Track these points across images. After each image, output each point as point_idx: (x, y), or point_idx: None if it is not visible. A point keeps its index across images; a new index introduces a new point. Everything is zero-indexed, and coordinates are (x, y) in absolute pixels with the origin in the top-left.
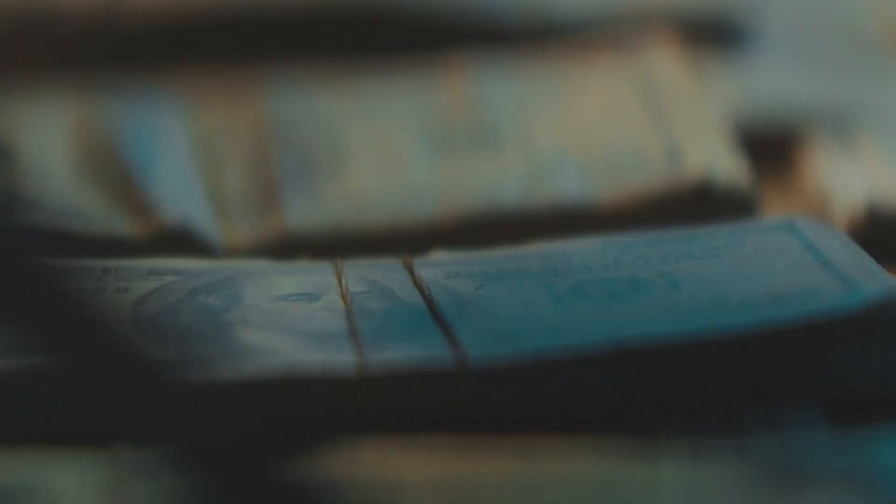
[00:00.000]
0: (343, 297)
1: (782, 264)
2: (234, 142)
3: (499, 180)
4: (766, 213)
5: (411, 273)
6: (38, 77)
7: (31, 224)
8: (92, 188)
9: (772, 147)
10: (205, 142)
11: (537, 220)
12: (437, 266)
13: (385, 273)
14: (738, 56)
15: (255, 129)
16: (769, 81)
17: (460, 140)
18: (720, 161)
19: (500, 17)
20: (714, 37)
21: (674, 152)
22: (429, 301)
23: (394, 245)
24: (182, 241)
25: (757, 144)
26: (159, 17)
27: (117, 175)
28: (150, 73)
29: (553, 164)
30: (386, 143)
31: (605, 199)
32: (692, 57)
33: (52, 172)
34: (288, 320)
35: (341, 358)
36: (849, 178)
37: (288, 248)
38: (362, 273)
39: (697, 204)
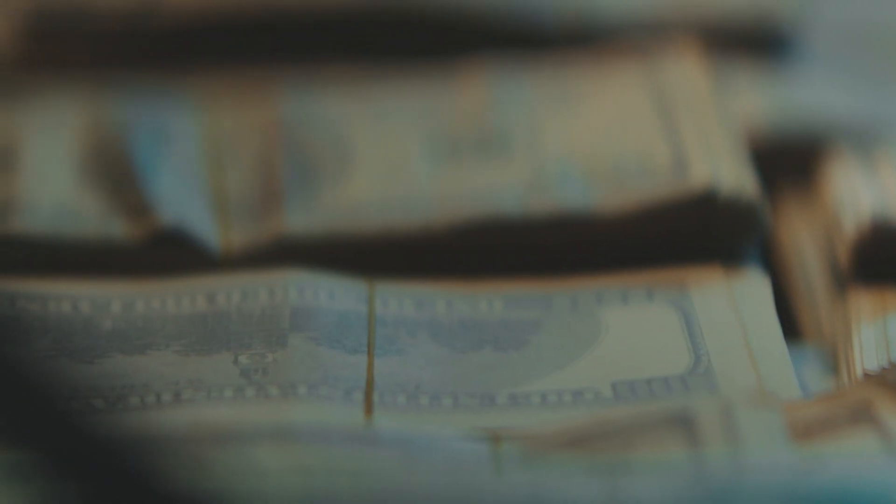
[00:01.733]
0: None
1: None
2: (243, 143)
3: (500, 187)
4: (781, 222)
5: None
6: (60, 75)
7: (24, 230)
8: (92, 189)
9: (798, 157)
10: (214, 143)
11: (536, 228)
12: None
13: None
14: (779, 66)
15: (265, 131)
16: (805, 92)
17: (467, 146)
18: (726, 172)
19: (539, 20)
20: (757, 46)
21: (680, 162)
22: None
23: (388, 252)
24: (176, 243)
25: (784, 154)
26: (193, 17)
27: (119, 175)
28: (174, 72)
29: (557, 171)
30: (392, 148)
31: (606, 207)
32: (725, 65)
33: (54, 173)
34: None
35: None
36: (861, 191)
37: (283, 252)
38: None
39: (701, 214)
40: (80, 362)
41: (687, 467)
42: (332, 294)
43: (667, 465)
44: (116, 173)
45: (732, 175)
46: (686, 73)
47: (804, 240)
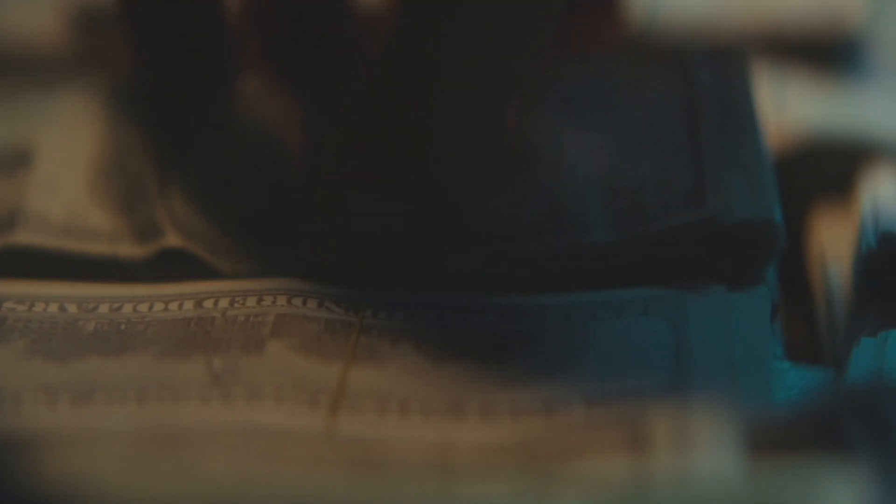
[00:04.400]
0: None
1: None
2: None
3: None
4: (815, 236)
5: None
6: (93, 75)
7: (29, 243)
8: (102, 204)
9: (841, 171)
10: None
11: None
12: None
13: None
14: (839, 78)
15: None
16: (861, 107)
17: None
18: (742, 199)
19: None
20: (821, 56)
21: (698, 188)
22: None
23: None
24: (181, 263)
25: (827, 166)
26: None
27: (131, 190)
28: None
29: (573, 191)
30: None
31: (617, 233)
32: (782, 72)
33: (66, 184)
34: None
35: None
36: (884, 206)
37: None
38: None
39: (713, 237)
40: (54, 362)
41: (630, 476)
42: (322, 302)
43: (609, 474)
44: (128, 187)
45: (747, 202)
46: (721, 84)
47: (832, 254)
